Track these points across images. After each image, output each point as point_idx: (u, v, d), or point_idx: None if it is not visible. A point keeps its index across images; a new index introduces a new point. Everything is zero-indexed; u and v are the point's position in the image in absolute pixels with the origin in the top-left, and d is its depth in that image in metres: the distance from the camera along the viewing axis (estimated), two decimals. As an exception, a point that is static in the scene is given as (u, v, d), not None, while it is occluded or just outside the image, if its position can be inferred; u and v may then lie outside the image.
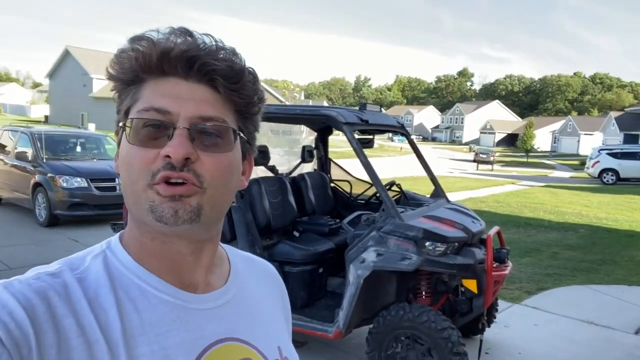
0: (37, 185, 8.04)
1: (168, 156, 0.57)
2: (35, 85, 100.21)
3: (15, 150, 8.76)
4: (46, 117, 44.57)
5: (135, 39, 0.60)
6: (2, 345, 0.48)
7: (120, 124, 0.61)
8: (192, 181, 0.58)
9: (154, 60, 0.59)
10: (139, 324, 0.58)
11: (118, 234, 0.67)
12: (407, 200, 4.33)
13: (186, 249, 0.63)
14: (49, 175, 7.86)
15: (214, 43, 0.61)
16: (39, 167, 8.11)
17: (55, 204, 7.67)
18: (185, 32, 0.60)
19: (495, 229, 3.81)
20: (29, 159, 8.38)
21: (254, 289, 0.75)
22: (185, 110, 0.59)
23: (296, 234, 4.16)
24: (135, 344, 0.56)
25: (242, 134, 0.65)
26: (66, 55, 42.91)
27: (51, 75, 45.40)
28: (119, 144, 0.63)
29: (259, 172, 4.10)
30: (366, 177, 3.94)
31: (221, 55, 0.60)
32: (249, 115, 0.66)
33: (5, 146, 9.30)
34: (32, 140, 8.52)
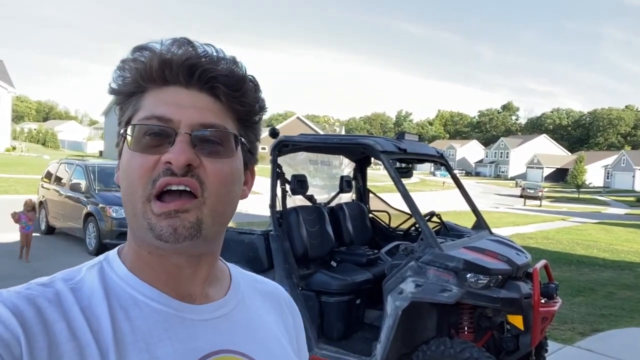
0: (88, 215, 8.42)
1: (169, 162, 0.56)
2: (92, 122, 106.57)
3: (70, 182, 9.25)
4: (101, 152, 47.07)
5: (137, 49, 0.60)
6: None
7: (121, 132, 0.61)
8: (194, 187, 0.57)
9: (156, 69, 0.59)
10: (131, 332, 0.57)
11: (117, 247, 0.66)
12: (447, 231, 4.22)
13: (184, 262, 0.62)
14: (100, 205, 8.22)
15: (214, 52, 0.61)
16: (91, 197, 8.51)
17: (104, 233, 7.99)
18: (187, 42, 0.60)
19: (542, 262, 3.63)
20: (82, 190, 8.83)
21: (256, 305, 0.72)
22: (187, 118, 0.58)
23: (334, 264, 4.12)
24: (126, 353, 0.55)
25: (243, 141, 0.64)
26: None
27: (106, 113, 48.09)
28: (120, 155, 0.62)
29: (298, 201, 4.12)
30: (405, 209, 3.88)
31: (222, 64, 0.60)
32: (250, 123, 0.66)
33: (61, 178, 9.84)
34: (86, 173, 8.98)
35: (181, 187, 0.57)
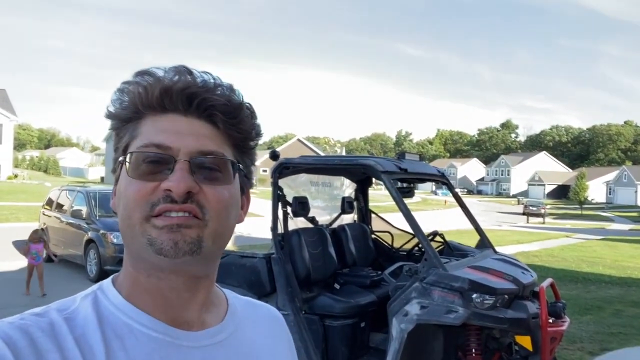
0: (89, 241, 8.38)
1: (169, 190, 0.57)
2: (94, 149, 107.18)
3: (71, 209, 9.23)
4: (102, 178, 47.20)
5: (139, 73, 0.61)
6: None
7: (120, 159, 0.62)
8: (195, 212, 0.58)
9: (156, 97, 0.60)
10: None
11: (112, 276, 0.66)
12: (451, 250, 4.17)
13: (182, 285, 0.62)
14: (101, 231, 8.18)
15: (212, 80, 0.62)
16: (92, 224, 8.48)
17: (105, 260, 7.92)
18: (186, 71, 0.61)
19: (548, 280, 3.58)
20: (83, 216, 8.79)
21: (253, 330, 0.72)
22: (185, 145, 0.59)
23: (337, 286, 4.06)
24: None
25: (241, 167, 0.65)
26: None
27: (107, 139, 48.45)
28: (116, 181, 0.63)
29: (299, 223, 4.10)
30: (408, 228, 3.85)
31: (219, 92, 0.62)
32: (246, 149, 0.67)
33: (62, 205, 9.83)
34: (87, 199, 8.97)
35: (180, 214, 0.57)
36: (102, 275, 7.98)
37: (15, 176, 32.70)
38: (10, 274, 8.66)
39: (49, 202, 10.39)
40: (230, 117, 0.62)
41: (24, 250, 6.61)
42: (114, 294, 0.62)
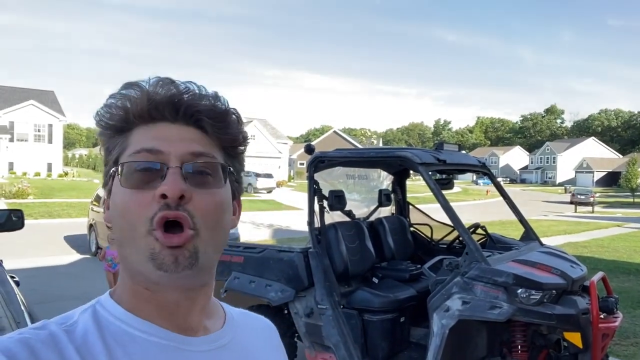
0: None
1: (164, 195, 0.58)
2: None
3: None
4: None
5: (126, 86, 0.62)
6: None
7: (112, 170, 0.62)
8: (185, 221, 0.58)
9: (143, 106, 0.61)
10: None
11: (108, 291, 0.67)
12: (493, 243, 4.03)
13: (182, 296, 0.63)
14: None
15: (196, 89, 0.64)
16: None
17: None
18: (170, 82, 0.63)
19: (599, 274, 3.40)
20: (128, 212, 9.10)
21: (250, 337, 0.74)
22: (176, 149, 0.60)
23: (375, 280, 4.01)
24: None
25: (231, 170, 0.66)
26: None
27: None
28: (109, 194, 0.63)
29: (336, 217, 4.06)
30: (448, 220, 3.75)
31: (204, 99, 0.63)
32: (235, 153, 0.68)
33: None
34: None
35: (176, 220, 0.58)
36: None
37: (66, 174, 34.28)
38: (62, 268, 9.10)
39: (97, 199, 10.81)
40: (217, 121, 0.64)
41: (100, 256, 6.45)
42: (113, 305, 0.63)
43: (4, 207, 15.66)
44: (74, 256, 10.31)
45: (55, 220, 15.85)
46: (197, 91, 0.63)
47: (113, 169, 0.62)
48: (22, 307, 1.61)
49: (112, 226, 0.61)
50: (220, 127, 0.64)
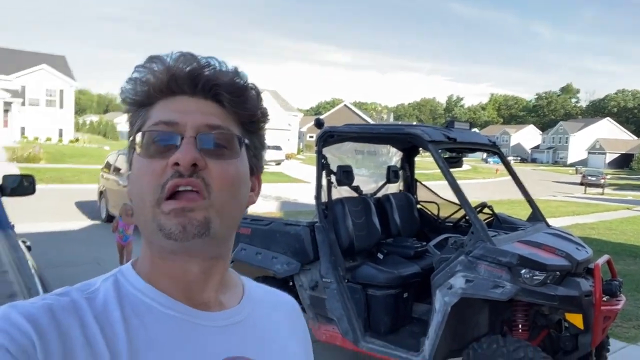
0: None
1: (176, 164, 0.58)
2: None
3: (128, 172, 9.63)
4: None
5: (149, 60, 0.63)
6: (8, 354, 0.49)
7: (130, 140, 0.64)
8: (199, 187, 0.59)
9: (164, 82, 0.62)
10: (146, 338, 0.58)
11: (131, 260, 0.68)
12: (500, 223, 4.03)
13: (197, 268, 0.63)
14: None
15: (217, 63, 0.64)
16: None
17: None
18: (191, 56, 0.63)
19: (604, 257, 3.40)
20: (138, 180, 9.17)
21: (269, 314, 0.74)
22: (192, 121, 0.61)
23: (380, 256, 4.04)
24: (141, 358, 0.56)
25: (247, 142, 0.66)
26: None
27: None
28: (129, 166, 0.65)
29: (343, 192, 4.07)
30: (455, 199, 3.74)
31: (223, 73, 0.64)
32: (254, 129, 0.68)
33: (119, 169, 10.30)
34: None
35: (188, 188, 0.58)
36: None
37: (77, 140, 34.53)
38: (73, 233, 9.27)
39: (107, 166, 10.90)
40: (235, 96, 0.64)
41: (113, 227, 6.31)
42: (133, 276, 0.64)
43: (16, 171, 15.88)
44: (84, 222, 10.49)
45: (66, 186, 16.06)
46: (217, 66, 0.64)
47: (131, 139, 0.63)
48: (33, 273, 1.65)
49: (131, 196, 0.63)
50: (238, 101, 0.64)
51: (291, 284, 3.81)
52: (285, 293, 0.83)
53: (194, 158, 0.58)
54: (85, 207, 12.01)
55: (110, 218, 10.36)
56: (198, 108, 0.62)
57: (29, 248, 2.57)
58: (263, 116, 0.68)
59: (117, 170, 10.34)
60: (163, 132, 0.61)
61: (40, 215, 10.08)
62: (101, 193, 10.82)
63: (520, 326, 3.21)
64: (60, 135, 33.51)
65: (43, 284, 1.60)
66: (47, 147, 25.32)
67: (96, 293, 0.60)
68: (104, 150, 26.05)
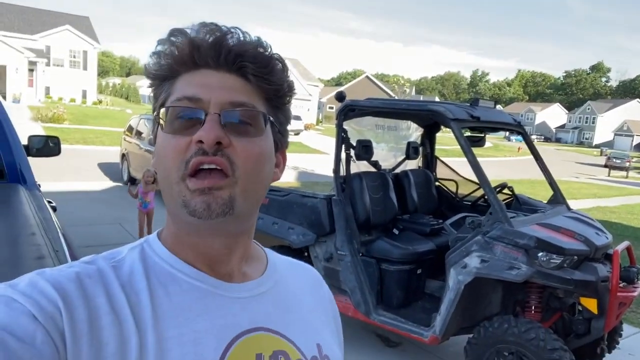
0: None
1: (200, 141, 0.58)
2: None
3: (150, 137, 9.71)
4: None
5: (172, 33, 0.62)
6: (36, 321, 0.50)
7: (155, 115, 0.63)
8: (224, 166, 0.58)
9: (187, 53, 0.61)
10: (170, 307, 0.59)
11: (157, 230, 0.69)
12: (519, 204, 3.99)
13: (220, 243, 0.64)
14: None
15: (240, 34, 0.62)
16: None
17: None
18: (214, 26, 0.62)
19: (624, 244, 3.35)
20: (160, 144, 9.27)
21: (293, 286, 0.74)
22: (216, 97, 0.60)
23: (396, 231, 4.06)
24: (165, 326, 0.57)
25: (272, 119, 0.65)
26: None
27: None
28: (154, 140, 0.64)
29: (362, 166, 4.06)
30: (475, 178, 3.71)
31: (247, 44, 0.62)
32: (279, 104, 0.66)
33: (141, 132, 10.42)
34: (163, 128, 9.40)
35: (212, 166, 0.58)
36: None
37: (100, 102, 34.88)
38: (96, 194, 9.49)
39: (130, 129, 11.03)
40: (259, 67, 0.62)
41: (134, 193, 6.13)
42: (159, 246, 0.65)
43: (41, 130, 16.20)
44: (107, 183, 10.72)
45: (89, 147, 16.35)
46: (240, 36, 0.62)
47: (156, 114, 0.63)
48: (60, 234, 1.70)
49: (156, 170, 0.63)
50: (263, 73, 0.62)
51: (306, 254, 3.87)
52: (308, 265, 0.83)
53: (218, 136, 0.58)
54: (107, 169, 12.25)
55: (132, 180, 10.57)
56: (222, 83, 0.61)
57: (54, 209, 2.64)
58: (289, 90, 0.67)
59: (139, 133, 10.46)
60: (186, 107, 0.60)
61: (63, 175, 10.32)
62: (123, 156, 11.00)
63: (533, 308, 3.21)
64: (84, 96, 33.88)
65: (69, 245, 1.65)
66: (70, 108, 25.67)
67: (122, 262, 0.61)
68: (126, 114, 26.31)
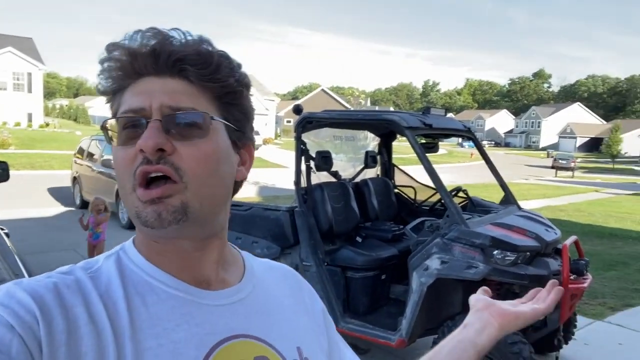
0: (120, 190, 8.63)
1: (142, 150, 0.56)
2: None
3: (102, 158, 9.47)
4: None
5: (108, 48, 0.60)
6: (13, 331, 0.49)
7: (102, 128, 0.62)
8: (169, 173, 0.57)
9: (126, 64, 0.59)
10: (147, 317, 0.58)
11: (133, 237, 0.67)
12: (474, 206, 4.16)
13: (189, 247, 0.63)
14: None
15: (179, 35, 0.60)
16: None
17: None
18: (151, 32, 0.59)
19: (572, 238, 3.56)
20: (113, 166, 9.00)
21: (272, 289, 0.73)
22: (155, 102, 0.58)
23: (359, 239, 4.13)
24: (142, 337, 0.56)
25: (220, 120, 0.62)
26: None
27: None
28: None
29: (322, 177, 4.13)
30: (431, 183, 3.84)
31: (186, 45, 0.60)
32: (232, 101, 0.63)
33: (93, 154, 10.11)
34: (116, 149, 9.15)
35: (159, 174, 0.57)
36: (132, 224, 8.25)
37: (47, 125, 33.50)
38: (49, 220, 9.10)
39: (80, 151, 10.68)
40: (201, 68, 0.59)
41: (82, 224, 5.63)
42: (135, 254, 0.64)
43: (-15, 157, 15.37)
44: (59, 208, 10.30)
45: (38, 172, 15.68)
46: (178, 38, 0.60)
47: (103, 128, 0.62)
48: (17, 259, 1.65)
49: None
50: (206, 74, 0.60)
51: (271, 267, 3.86)
52: (286, 266, 0.81)
53: (157, 143, 0.56)
54: (58, 194, 11.78)
55: (84, 204, 10.21)
56: (162, 88, 0.59)
57: (7, 235, 2.54)
58: (239, 84, 0.63)
59: (90, 155, 10.15)
60: (129, 117, 0.59)
61: (13, 201, 9.84)
62: (74, 179, 10.63)
63: (492, 304, 3.34)
64: (30, 119, 32.47)
65: (27, 269, 1.61)
66: (16, 132, 24.55)
67: (99, 272, 0.61)
68: (75, 135, 25.38)
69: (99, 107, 74.88)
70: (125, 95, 0.61)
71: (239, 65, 0.64)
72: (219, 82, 0.61)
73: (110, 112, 0.63)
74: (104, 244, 5.63)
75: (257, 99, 40.50)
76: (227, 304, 0.65)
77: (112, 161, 0.62)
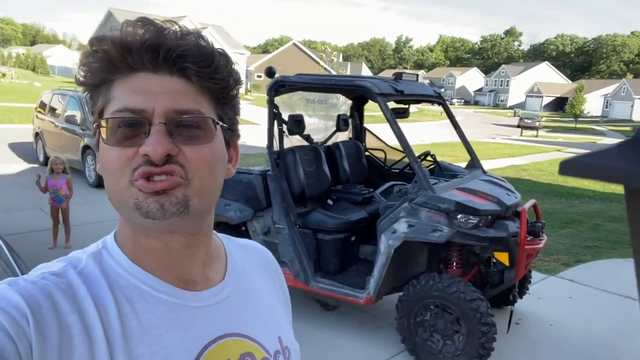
0: (86, 147, 8.42)
1: (147, 155, 0.56)
2: (81, 47, 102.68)
3: (65, 114, 9.13)
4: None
5: (93, 41, 0.57)
6: (7, 336, 0.49)
7: (95, 125, 0.60)
8: (177, 173, 0.57)
9: (117, 58, 0.56)
10: (138, 325, 0.58)
11: (113, 232, 0.66)
12: (441, 171, 4.30)
13: (179, 244, 0.63)
14: (97, 138, 8.19)
15: (177, 29, 0.58)
16: (88, 130, 8.46)
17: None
18: (146, 21, 0.57)
19: (531, 202, 3.76)
20: (78, 122, 8.74)
21: (252, 277, 0.75)
22: (159, 105, 0.57)
23: (330, 202, 4.24)
24: (134, 345, 0.57)
25: (222, 123, 0.63)
26: (110, 17, 43.65)
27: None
28: (97, 146, 0.61)
29: (295, 140, 4.16)
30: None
31: (187, 39, 0.58)
32: (227, 100, 0.64)
33: (55, 109, 9.72)
34: (81, 104, 8.84)
35: (163, 177, 0.57)
36: (100, 181, 8.14)
37: (4, 75, 31.76)
38: (11, 177, 8.82)
39: (42, 105, 10.24)
40: (202, 66, 0.58)
41: (42, 187, 5.17)
42: (119, 254, 0.63)
43: (-63, 110, 14.53)
44: (22, 165, 9.97)
45: (-4, 126, 15.00)
46: (177, 32, 0.58)
47: (96, 124, 0.59)
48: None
49: (101, 174, 0.60)
50: (206, 73, 0.59)
51: (244, 229, 3.95)
52: (257, 244, 0.84)
53: (166, 150, 0.56)
54: (20, 149, 11.37)
55: (48, 161, 9.91)
56: (164, 88, 0.57)
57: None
58: (236, 83, 0.63)
59: (52, 110, 9.76)
60: (129, 118, 0.56)
61: (-29, 158, 9.46)
62: (37, 135, 10.25)
63: (454, 264, 3.55)
64: (-17, 69, 30.66)
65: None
66: (-31, 82, 23.19)
67: (86, 274, 0.60)
68: (34, 87, 24.19)
69: (58, 56, 70.97)
70: (114, 90, 0.58)
71: (234, 63, 0.64)
72: (220, 82, 0.61)
73: (90, 102, 0.61)
74: (68, 208, 5.38)
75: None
76: (213, 304, 0.66)
77: (100, 157, 0.60)
